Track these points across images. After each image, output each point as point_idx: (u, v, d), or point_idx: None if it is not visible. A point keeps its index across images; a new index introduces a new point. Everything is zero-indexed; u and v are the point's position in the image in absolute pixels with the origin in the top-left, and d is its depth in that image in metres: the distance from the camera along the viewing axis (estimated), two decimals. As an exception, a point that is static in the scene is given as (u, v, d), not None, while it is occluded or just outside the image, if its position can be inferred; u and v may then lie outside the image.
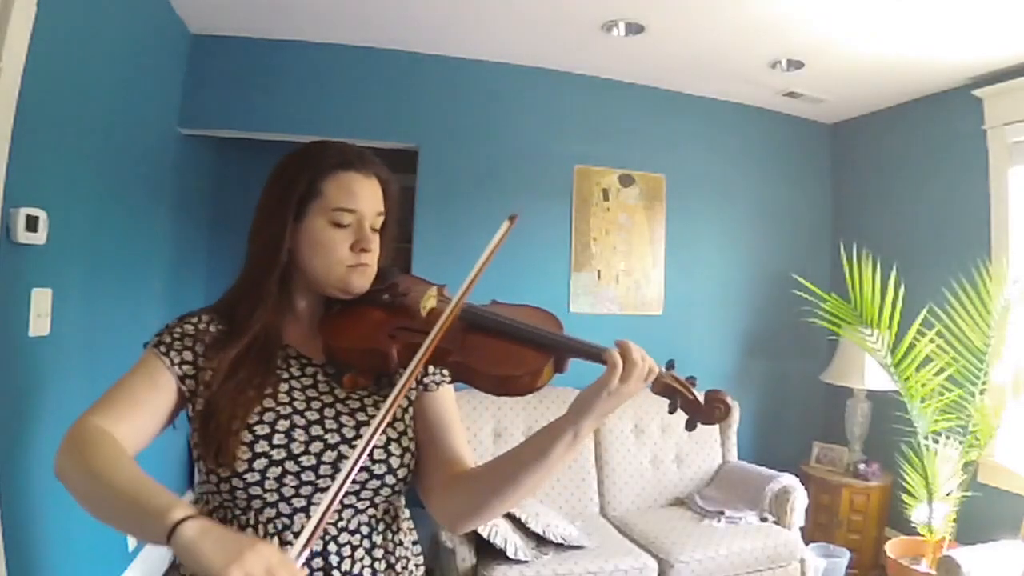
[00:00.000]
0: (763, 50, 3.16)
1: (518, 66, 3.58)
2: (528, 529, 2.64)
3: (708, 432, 3.49)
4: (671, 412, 0.93)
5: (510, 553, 2.52)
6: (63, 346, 2.03)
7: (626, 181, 3.78)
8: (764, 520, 3.04)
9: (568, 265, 3.66)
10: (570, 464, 3.19)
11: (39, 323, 1.86)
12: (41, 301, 1.86)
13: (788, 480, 3.11)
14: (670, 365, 0.95)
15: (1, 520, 1.65)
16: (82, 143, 2.10)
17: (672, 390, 0.93)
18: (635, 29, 3.00)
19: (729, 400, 0.92)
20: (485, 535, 2.51)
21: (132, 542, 2.68)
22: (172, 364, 0.93)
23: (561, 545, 2.67)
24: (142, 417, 0.90)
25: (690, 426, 0.94)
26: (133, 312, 2.72)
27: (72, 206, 2.05)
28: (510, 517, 2.65)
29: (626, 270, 3.77)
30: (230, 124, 3.28)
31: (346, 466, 0.79)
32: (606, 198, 3.74)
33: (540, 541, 2.66)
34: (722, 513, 3.06)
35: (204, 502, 0.96)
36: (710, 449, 3.48)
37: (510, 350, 0.95)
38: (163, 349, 0.94)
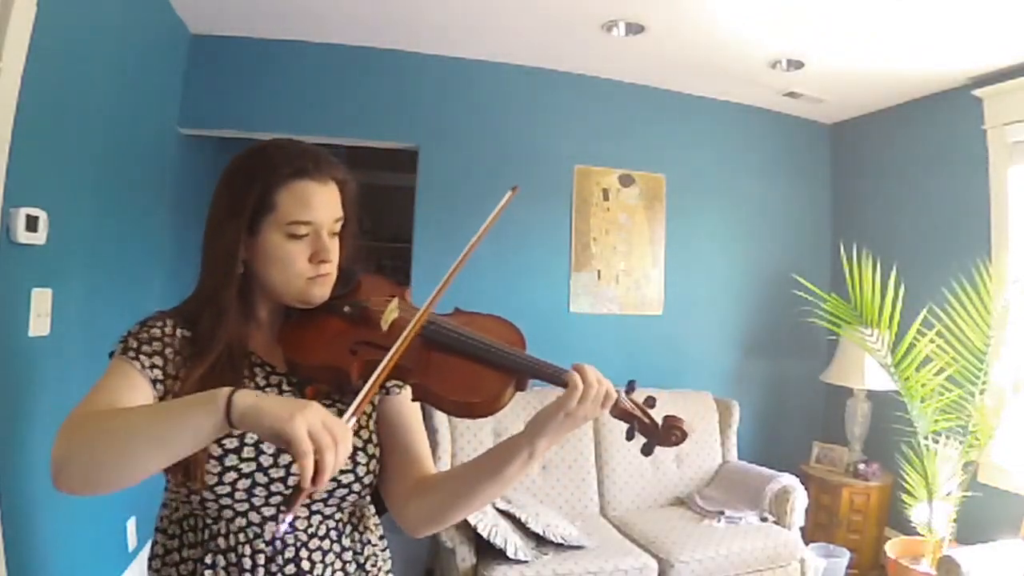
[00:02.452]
0: (763, 50, 3.16)
1: (518, 66, 3.58)
2: (528, 529, 2.64)
3: (708, 432, 3.49)
4: (628, 439, 0.94)
5: (510, 553, 2.51)
6: (63, 346, 2.03)
7: (626, 181, 3.78)
8: (764, 520, 3.04)
9: (568, 265, 3.66)
10: (570, 464, 3.19)
11: (39, 323, 1.86)
12: (41, 301, 1.86)
13: (788, 480, 3.11)
14: (630, 388, 0.96)
15: (1, 520, 1.65)
16: (82, 143, 2.10)
17: (629, 415, 0.93)
18: (635, 29, 3.00)
19: (685, 427, 0.93)
20: (485, 535, 2.51)
21: (132, 542, 2.68)
22: (143, 368, 0.90)
23: (561, 545, 2.67)
24: None
25: (647, 450, 0.95)
26: (133, 312, 2.69)
27: (72, 206, 2.05)
28: (510, 517, 2.65)
29: (626, 270, 3.77)
30: (230, 124, 3.28)
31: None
32: (606, 198, 3.74)
33: (540, 541, 2.66)
34: (722, 513, 3.06)
35: (173, 509, 0.97)
36: (710, 449, 3.48)
37: (471, 371, 0.93)
38: (131, 355, 0.90)
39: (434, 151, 3.48)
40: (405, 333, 0.87)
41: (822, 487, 3.45)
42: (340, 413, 0.95)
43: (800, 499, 3.03)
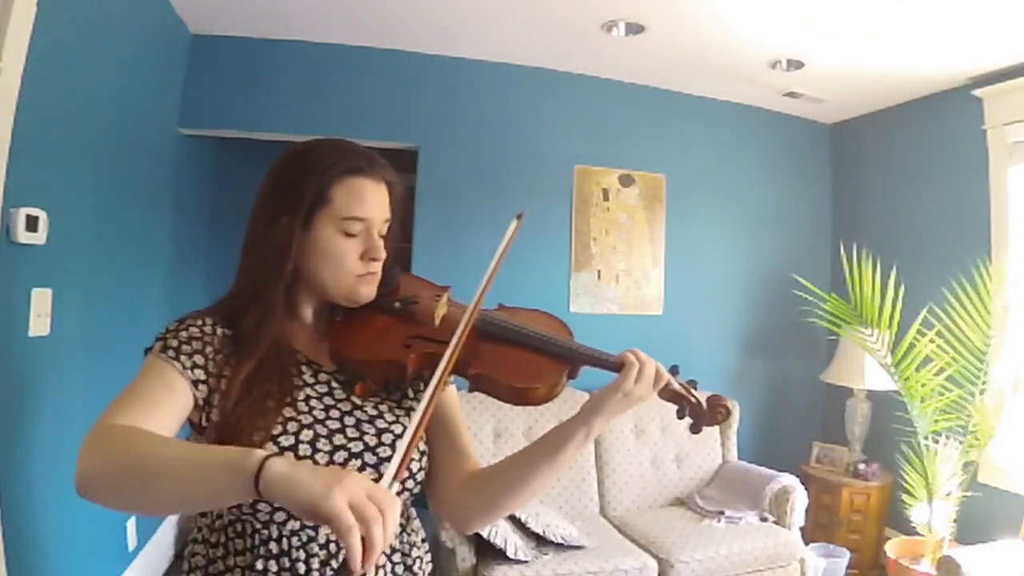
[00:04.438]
0: (763, 50, 3.16)
1: (518, 66, 3.58)
2: (528, 529, 2.64)
3: (708, 432, 3.48)
4: (680, 418, 0.99)
5: (510, 553, 2.52)
6: (63, 346, 2.03)
7: (626, 181, 3.78)
8: (764, 520, 3.04)
9: (568, 265, 3.66)
10: (570, 464, 3.18)
11: (39, 323, 1.86)
12: (41, 301, 1.86)
13: (788, 480, 3.11)
14: (674, 371, 0.99)
15: (1, 520, 1.65)
16: (82, 143, 2.10)
17: (679, 396, 0.98)
18: (635, 29, 3.00)
19: (729, 404, 0.99)
20: (485, 535, 2.51)
21: (132, 542, 2.69)
22: (184, 369, 0.87)
23: (561, 545, 2.67)
24: (163, 417, 0.83)
25: (695, 429, 0.99)
26: (133, 312, 2.72)
27: (72, 206, 2.05)
28: (510, 517, 2.65)
29: (626, 270, 3.77)
30: (230, 124, 3.28)
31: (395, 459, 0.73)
32: (606, 198, 3.74)
33: (540, 541, 2.66)
34: (722, 513, 3.06)
35: (216, 516, 0.93)
36: (710, 449, 3.48)
37: (527, 360, 0.96)
38: (171, 354, 0.88)
39: (434, 151, 3.48)
40: (463, 325, 0.88)
41: (822, 487, 3.45)
42: (392, 412, 0.97)
43: (800, 499, 3.03)
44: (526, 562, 2.54)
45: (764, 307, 4.00)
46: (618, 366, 0.93)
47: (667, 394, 0.97)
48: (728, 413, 0.98)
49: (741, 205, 4.01)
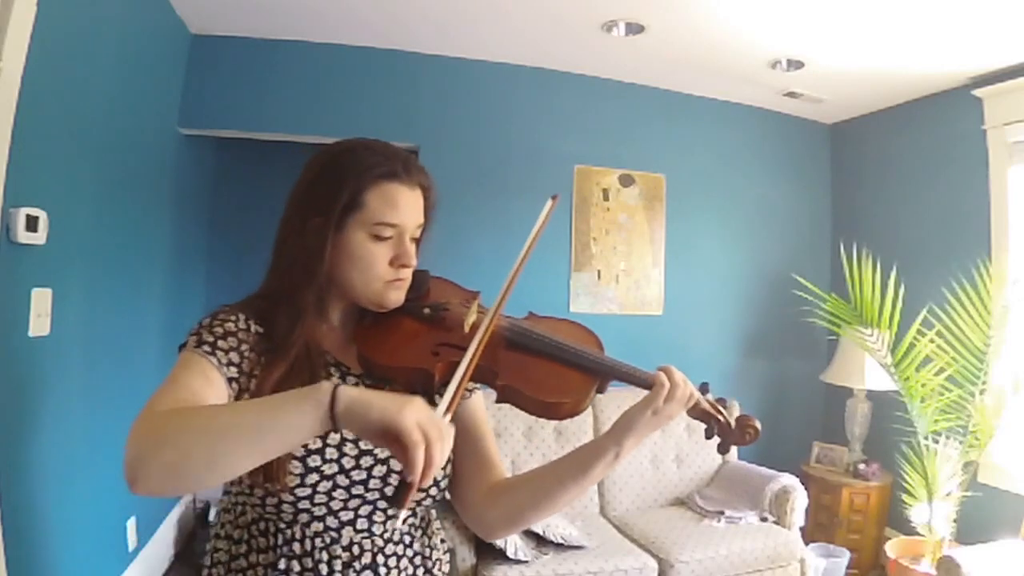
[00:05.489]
0: (763, 50, 3.16)
1: (518, 66, 3.58)
2: (528, 529, 2.64)
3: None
4: (708, 437, 0.98)
5: (510, 553, 2.52)
6: (63, 346, 2.03)
7: (626, 181, 3.78)
8: (764, 520, 3.04)
9: (568, 265, 3.66)
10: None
11: (39, 323, 1.86)
12: (41, 301, 1.86)
13: (788, 480, 3.11)
14: (704, 388, 0.98)
15: (1, 520, 1.65)
16: (82, 143, 2.10)
17: (708, 415, 0.97)
18: (635, 29, 3.00)
19: (758, 424, 0.98)
20: (485, 535, 2.51)
21: (132, 542, 2.69)
22: (220, 364, 0.86)
23: (561, 545, 2.67)
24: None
25: (722, 449, 1.00)
26: (133, 312, 2.72)
27: (72, 206, 2.05)
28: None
29: (626, 270, 3.77)
30: (230, 124, 3.28)
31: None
32: (606, 198, 3.74)
33: (540, 541, 2.66)
34: (722, 513, 3.06)
35: (239, 513, 0.93)
36: (710, 449, 3.47)
37: (556, 373, 0.94)
38: (207, 348, 0.86)
39: (434, 151, 3.48)
40: (481, 331, 0.86)
41: (822, 487, 3.45)
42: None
43: (800, 499, 3.03)
44: (526, 562, 2.54)
45: (764, 307, 4.00)
46: (649, 383, 0.92)
47: (696, 412, 0.96)
48: (757, 433, 0.97)
49: (741, 205, 4.01)
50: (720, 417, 0.97)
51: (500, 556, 2.52)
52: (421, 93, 3.47)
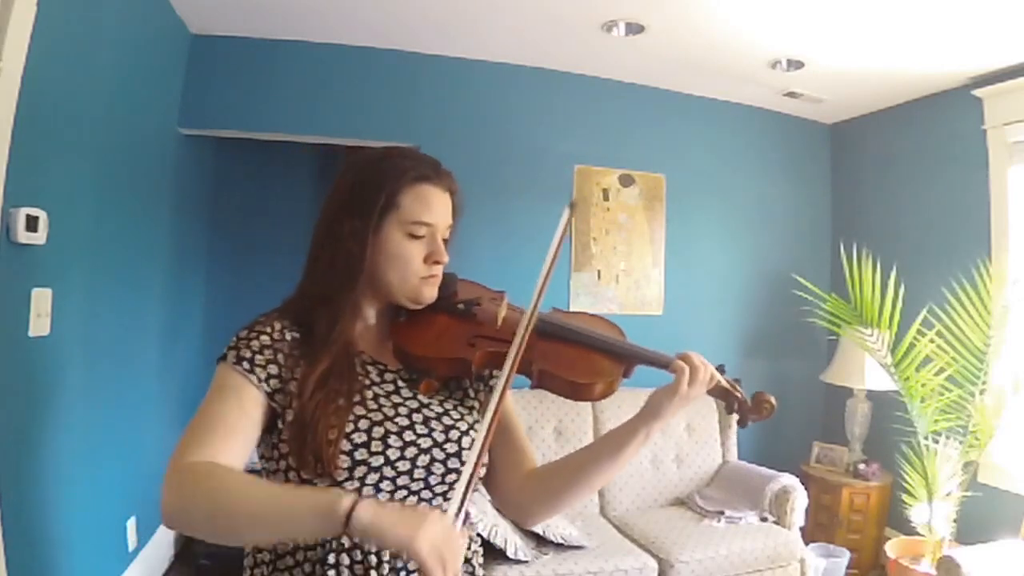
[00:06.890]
0: (763, 50, 3.16)
1: (518, 66, 3.58)
2: (528, 529, 2.64)
3: (708, 432, 3.49)
4: (728, 413, 1.06)
5: (510, 553, 2.52)
6: (63, 346, 2.03)
7: (626, 181, 3.78)
8: (764, 520, 3.04)
9: (568, 265, 3.66)
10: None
11: (39, 323, 1.86)
12: (41, 301, 1.86)
13: (788, 480, 3.11)
14: (721, 369, 1.05)
15: (2, 520, 1.65)
16: (82, 143, 2.10)
17: (727, 393, 1.04)
18: (635, 29, 3.01)
19: (773, 400, 1.04)
20: (485, 535, 2.51)
21: (132, 542, 2.69)
22: (260, 382, 0.91)
23: (561, 545, 2.67)
24: (237, 445, 0.88)
25: (742, 424, 1.07)
26: (133, 312, 2.72)
27: (72, 206, 2.05)
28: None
29: (626, 270, 3.77)
30: (230, 124, 3.28)
31: (465, 470, 0.83)
32: (606, 198, 3.74)
33: (540, 541, 2.66)
34: (722, 513, 3.06)
35: None
36: (710, 449, 3.48)
37: (586, 357, 1.02)
38: (246, 366, 0.91)
39: (434, 151, 3.42)
40: (524, 322, 0.94)
41: (822, 487, 3.45)
42: (457, 409, 1.02)
43: (800, 499, 3.03)
44: (526, 562, 2.54)
45: (764, 307, 4.00)
46: (672, 367, 0.98)
47: (717, 391, 1.03)
48: (773, 408, 1.03)
49: (741, 205, 4.01)
50: (738, 394, 1.04)
51: (500, 556, 2.52)
52: (421, 93, 3.47)
